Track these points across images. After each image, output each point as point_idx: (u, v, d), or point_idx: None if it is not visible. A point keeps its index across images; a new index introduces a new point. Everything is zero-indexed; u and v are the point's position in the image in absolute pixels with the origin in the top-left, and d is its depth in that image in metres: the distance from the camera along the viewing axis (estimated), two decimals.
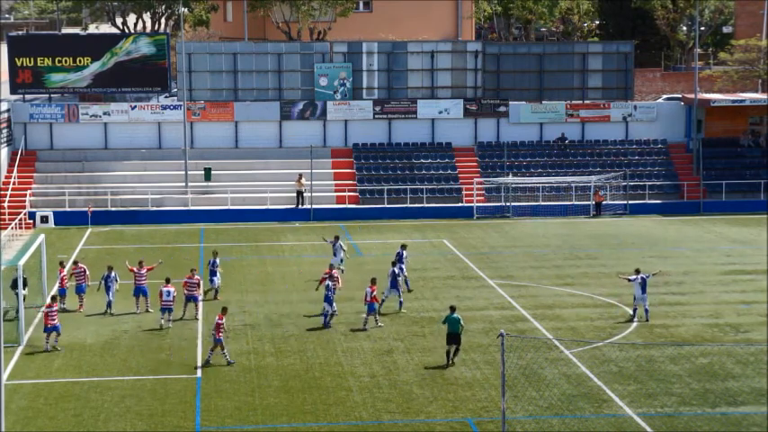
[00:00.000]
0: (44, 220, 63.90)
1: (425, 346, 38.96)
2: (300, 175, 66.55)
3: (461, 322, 36.75)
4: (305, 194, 66.55)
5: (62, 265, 45.84)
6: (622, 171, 69.28)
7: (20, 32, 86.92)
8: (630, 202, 68.36)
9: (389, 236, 61.01)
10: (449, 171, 70.54)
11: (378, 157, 71.19)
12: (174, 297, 41.51)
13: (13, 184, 66.85)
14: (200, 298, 44.01)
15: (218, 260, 46.50)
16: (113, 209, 65.97)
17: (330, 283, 41.92)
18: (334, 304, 41.61)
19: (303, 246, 58.11)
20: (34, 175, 68.50)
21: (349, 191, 68.56)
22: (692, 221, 65.45)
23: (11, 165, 68.39)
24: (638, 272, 42.89)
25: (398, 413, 32.20)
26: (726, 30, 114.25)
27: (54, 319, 38.52)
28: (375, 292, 41.49)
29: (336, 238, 49.98)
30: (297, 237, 60.84)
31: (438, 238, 60.32)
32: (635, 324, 41.81)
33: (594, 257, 54.61)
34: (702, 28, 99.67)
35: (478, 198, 68.14)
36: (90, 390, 34.36)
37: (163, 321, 41.47)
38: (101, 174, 68.66)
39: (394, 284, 43.78)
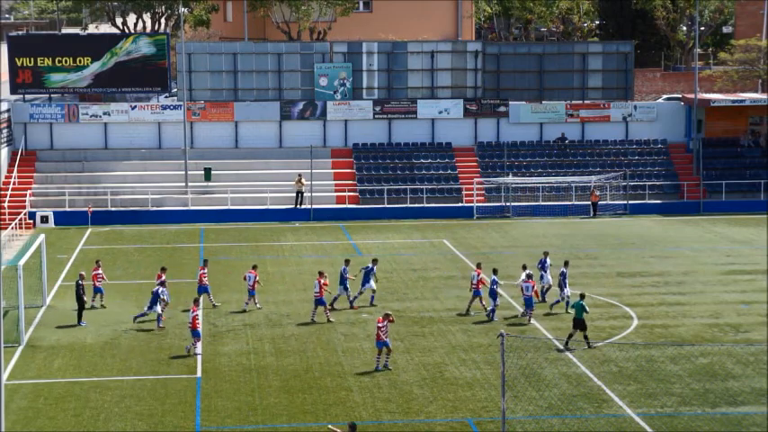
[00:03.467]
0: (44, 220, 63.91)
1: (425, 346, 38.97)
2: (300, 175, 66.55)
3: (585, 309, 38.30)
4: (305, 194, 66.54)
5: (98, 263, 45.88)
6: (622, 171, 69.29)
7: (20, 32, 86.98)
8: (630, 202, 68.37)
9: (389, 236, 61.04)
10: (449, 171, 70.54)
11: (378, 157, 71.20)
12: (254, 281, 43.89)
13: (13, 184, 66.85)
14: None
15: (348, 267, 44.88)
16: (113, 209, 65.98)
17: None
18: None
19: (303, 246, 58.11)
20: (34, 175, 68.50)
21: (349, 191, 68.57)
22: (692, 221, 65.46)
23: (11, 165, 68.39)
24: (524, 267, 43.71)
25: (398, 413, 32.21)
26: (726, 30, 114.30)
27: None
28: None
29: (374, 261, 46.03)
30: (297, 237, 60.84)
31: (438, 238, 60.32)
32: (635, 324, 41.84)
33: (594, 257, 54.62)
34: (702, 28, 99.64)
35: (478, 198, 68.15)
36: (90, 390, 34.37)
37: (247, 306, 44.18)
38: (101, 174, 68.66)
39: (343, 282, 44.01)
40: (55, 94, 72.92)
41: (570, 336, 38.41)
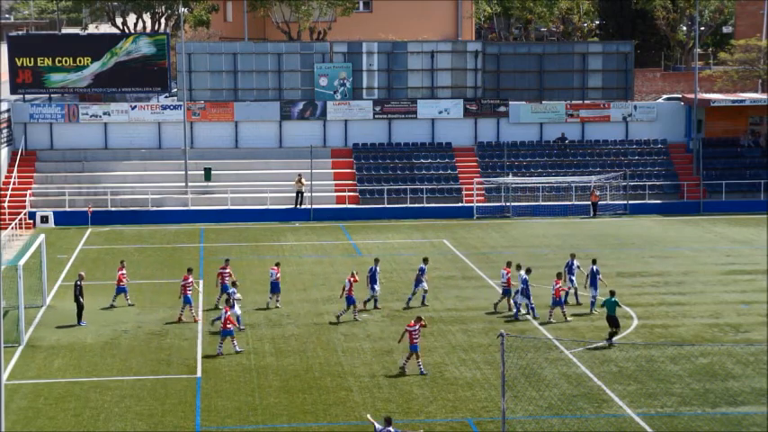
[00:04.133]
0: (44, 220, 63.90)
1: (425, 346, 38.92)
2: (300, 175, 66.54)
3: (618, 305, 38.93)
4: (305, 194, 66.54)
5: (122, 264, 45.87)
6: (622, 171, 69.28)
7: (20, 32, 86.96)
8: (630, 202, 68.37)
9: (389, 236, 61.03)
10: (449, 171, 70.54)
11: (378, 157, 71.19)
12: (278, 277, 44.33)
13: (14, 184, 66.84)
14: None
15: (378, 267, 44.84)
16: (113, 209, 65.97)
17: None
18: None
19: (303, 246, 58.11)
20: (34, 175, 68.50)
21: (349, 191, 68.56)
22: (692, 221, 65.46)
23: (11, 165, 68.38)
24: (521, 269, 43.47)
25: (398, 413, 32.18)
26: (726, 30, 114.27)
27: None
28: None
29: (425, 260, 45.66)
30: (297, 237, 60.83)
31: (438, 238, 60.32)
32: (635, 324, 41.84)
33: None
34: (702, 28, 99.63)
35: (478, 198, 68.14)
36: (90, 390, 34.37)
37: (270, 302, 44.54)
38: (101, 174, 68.65)
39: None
40: (55, 94, 72.91)
41: (613, 334, 38.68)
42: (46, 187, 67.49)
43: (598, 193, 67.89)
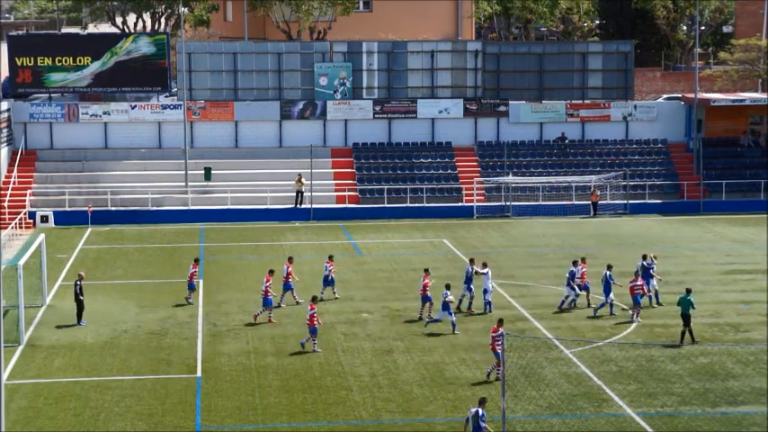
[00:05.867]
0: (44, 219, 63.90)
1: (425, 346, 38.96)
2: (300, 175, 66.53)
3: (693, 303, 38.85)
4: (305, 194, 66.53)
5: (197, 262, 46.12)
6: (622, 171, 69.28)
7: (20, 32, 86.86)
8: (630, 201, 68.37)
9: (389, 236, 61.03)
10: (449, 171, 70.54)
11: (378, 157, 71.19)
12: (287, 274, 44.11)
13: (13, 183, 66.84)
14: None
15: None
16: (113, 209, 65.97)
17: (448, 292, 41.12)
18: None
19: (303, 246, 58.10)
20: (34, 174, 68.49)
21: (349, 191, 68.56)
22: (692, 221, 65.45)
23: (11, 164, 68.38)
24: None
25: (398, 413, 32.20)
26: (726, 29, 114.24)
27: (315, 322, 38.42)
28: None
29: (484, 265, 44.41)
30: (297, 237, 60.84)
31: (438, 237, 60.32)
32: (635, 324, 41.85)
33: (595, 257, 54.49)
34: (702, 28, 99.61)
35: (478, 198, 68.14)
36: (90, 389, 34.36)
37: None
38: (101, 173, 68.65)
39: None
40: (55, 94, 72.91)
41: (684, 332, 38.85)
42: (46, 187, 67.49)
43: (598, 192, 67.89)
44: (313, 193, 66.52)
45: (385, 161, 70.96)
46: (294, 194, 66.80)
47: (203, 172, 68.23)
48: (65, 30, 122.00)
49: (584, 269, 44.40)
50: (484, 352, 37.96)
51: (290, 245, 58.26)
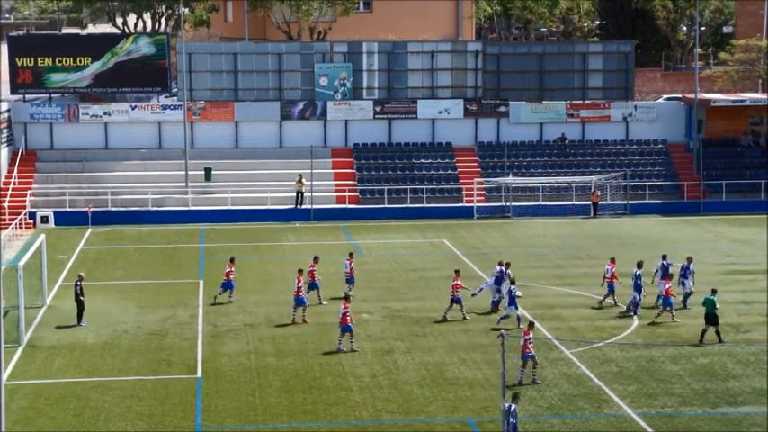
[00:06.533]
0: (44, 220, 63.90)
1: (425, 346, 38.97)
2: (300, 176, 66.53)
3: (717, 304, 38.75)
4: (305, 194, 66.54)
5: (232, 261, 46.16)
6: (622, 171, 69.28)
7: (20, 32, 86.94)
8: (630, 202, 68.36)
9: (389, 236, 61.04)
10: (449, 171, 70.54)
11: (378, 157, 71.20)
12: (310, 271, 44.14)
13: (14, 184, 66.85)
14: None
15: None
16: (113, 209, 65.97)
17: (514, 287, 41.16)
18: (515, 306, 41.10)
19: (303, 246, 58.09)
20: (34, 175, 68.50)
21: (349, 191, 68.56)
22: (692, 221, 65.45)
23: (11, 165, 68.39)
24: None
25: (398, 413, 32.21)
26: (726, 30, 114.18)
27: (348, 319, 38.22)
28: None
29: (504, 264, 44.81)
30: (297, 237, 60.84)
31: (438, 238, 60.32)
32: (635, 324, 41.84)
33: (595, 257, 54.54)
34: (702, 28, 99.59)
35: (478, 198, 68.14)
36: (90, 390, 34.37)
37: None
38: (101, 174, 68.66)
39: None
40: (55, 94, 72.91)
41: (704, 332, 38.80)
42: (46, 187, 67.49)
43: (599, 193, 67.89)
44: (313, 194, 66.53)
45: (385, 161, 70.97)
46: (294, 195, 66.81)
47: (203, 172, 68.23)
48: (65, 30, 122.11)
49: (613, 269, 44.23)
50: (484, 352, 37.98)
51: (291, 245, 58.27)
